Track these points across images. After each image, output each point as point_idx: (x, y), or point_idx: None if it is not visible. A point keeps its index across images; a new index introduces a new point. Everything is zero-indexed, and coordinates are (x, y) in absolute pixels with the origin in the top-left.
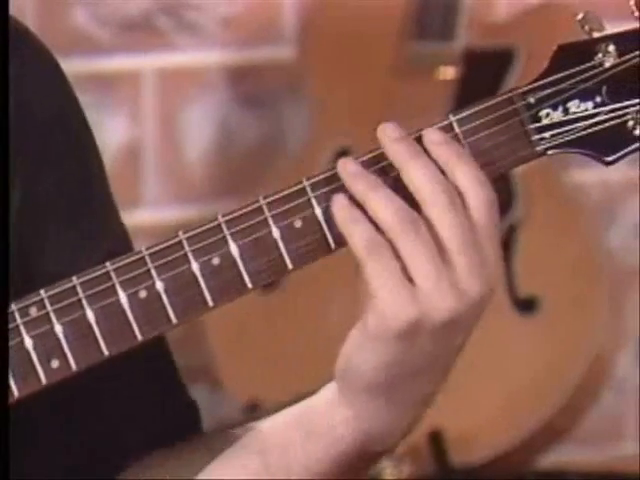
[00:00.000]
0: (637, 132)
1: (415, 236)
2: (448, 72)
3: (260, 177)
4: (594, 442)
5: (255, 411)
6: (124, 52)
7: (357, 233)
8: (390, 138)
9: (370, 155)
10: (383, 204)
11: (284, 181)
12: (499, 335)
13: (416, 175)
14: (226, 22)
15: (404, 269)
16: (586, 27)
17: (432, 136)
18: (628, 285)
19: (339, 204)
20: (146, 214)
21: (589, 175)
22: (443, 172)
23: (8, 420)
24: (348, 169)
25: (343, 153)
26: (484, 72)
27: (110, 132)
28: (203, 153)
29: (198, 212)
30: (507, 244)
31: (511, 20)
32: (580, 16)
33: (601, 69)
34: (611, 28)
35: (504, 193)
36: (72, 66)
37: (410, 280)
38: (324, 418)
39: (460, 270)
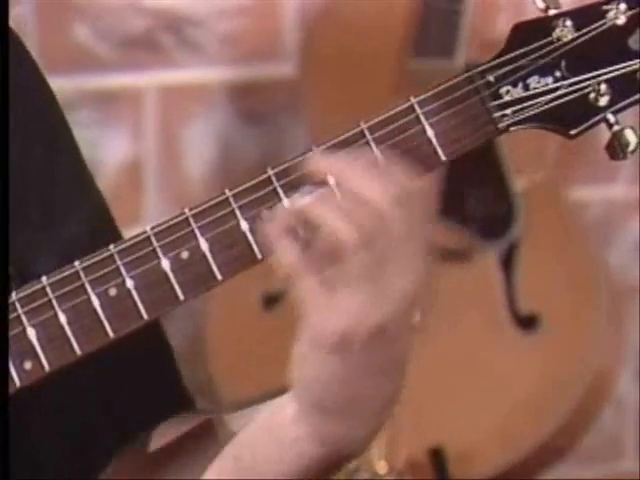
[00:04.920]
0: (600, 103)
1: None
2: None
3: None
4: (593, 460)
5: None
6: (125, 69)
7: (280, 254)
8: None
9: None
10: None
11: None
12: (500, 352)
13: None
14: (227, 39)
15: (330, 281)
16: (542, 5)
17: (309, 163)
18: (628, 303)
19: (265, 218)
20: None
21: (590, 193)
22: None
23: (7, 420)
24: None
25: None
26: None
27: (111, 149)
28: (204, 170)
29: None
30: (508, 261)
31: None
32: None
33: (559, 44)
34: None
35: (505, 211)
36: (73, 83)
37: (337, 291)
38: (289, 432)
39: (393, 276)
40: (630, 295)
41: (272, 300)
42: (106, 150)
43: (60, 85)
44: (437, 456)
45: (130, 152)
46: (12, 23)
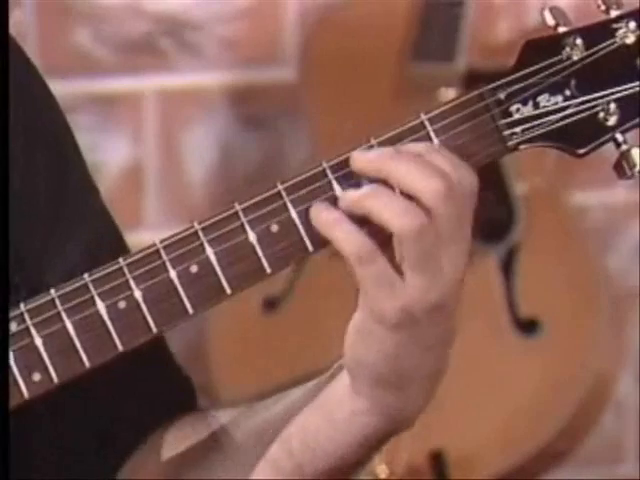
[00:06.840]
0: (609, 123)
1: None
2: (449, 93)
3: None
4: (594, 463)
5: None
6: (126, 73)
7: (344, 239)
8: (362, 159)
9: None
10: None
11: None
12: (500, 356)
13: (401, 173)
14: (227, 44)
15: (392, 261)
16: (552, 22)
17: (359, 156)
18: (628, 307)
19: (319, 208)
20: (147, 235)
21: (590, 197)
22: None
23: (8, 420)
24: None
25: None
26: None
27: (111, 153)
28: (204, 174)
29: None
30: (508, 265)
31: (512, 41)
32: (546, 12)
33: (569, 62)
34: None
35: (505, 215)
36: (74, 87)
37: (399, 272)
38: (345, 408)
39: (447, 258)
40: (630, 299)
41: (272, 303)
42: (106, 154)
43: (60, 89)
44: (437, 460)
45: (130, 156)
46: (12, 27)
